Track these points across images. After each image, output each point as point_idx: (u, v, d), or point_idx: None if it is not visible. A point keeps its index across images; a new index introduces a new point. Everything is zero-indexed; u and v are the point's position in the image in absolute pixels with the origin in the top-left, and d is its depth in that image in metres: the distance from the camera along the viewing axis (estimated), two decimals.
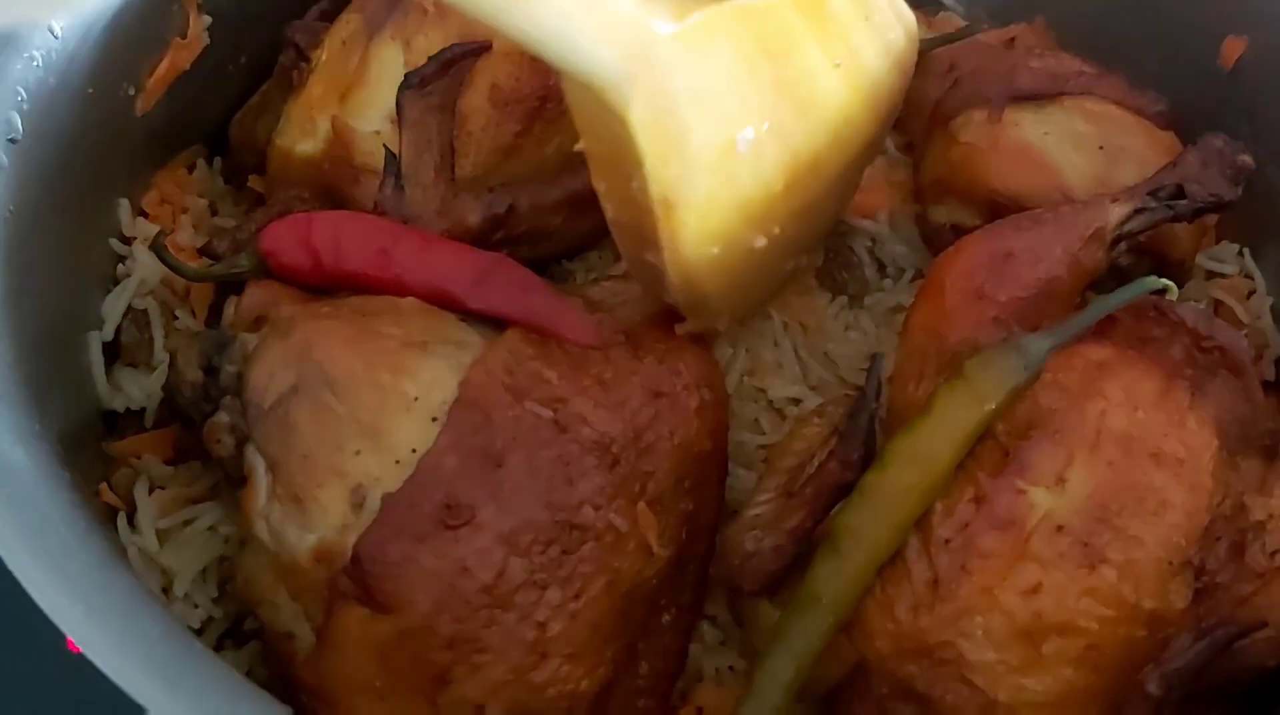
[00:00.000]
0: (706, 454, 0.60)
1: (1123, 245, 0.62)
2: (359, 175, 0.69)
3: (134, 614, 0.44)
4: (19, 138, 0.59)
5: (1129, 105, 0.75)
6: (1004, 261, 0.59)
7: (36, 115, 0.60)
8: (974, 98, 0.75)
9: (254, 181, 0.77)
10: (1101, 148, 0.71)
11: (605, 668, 0.55)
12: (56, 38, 0.62)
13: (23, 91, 0.60)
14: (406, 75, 0.65)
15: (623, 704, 0.57)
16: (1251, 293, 0.77)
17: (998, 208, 0.70)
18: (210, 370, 0.60)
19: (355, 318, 0.58)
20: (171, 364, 0.63)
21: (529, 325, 0.58)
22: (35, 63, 0.61)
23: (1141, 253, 0.69)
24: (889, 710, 0.54)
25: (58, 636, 0.78)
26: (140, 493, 0.61)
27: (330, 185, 0.71)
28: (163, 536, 0.61)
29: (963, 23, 0.89)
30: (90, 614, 0.43)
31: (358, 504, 0.52)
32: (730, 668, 0.62)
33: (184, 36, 0.72)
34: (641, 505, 0.56)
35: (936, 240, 0.75)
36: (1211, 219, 0.77)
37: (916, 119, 0.79)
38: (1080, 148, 0.71)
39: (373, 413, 0.54)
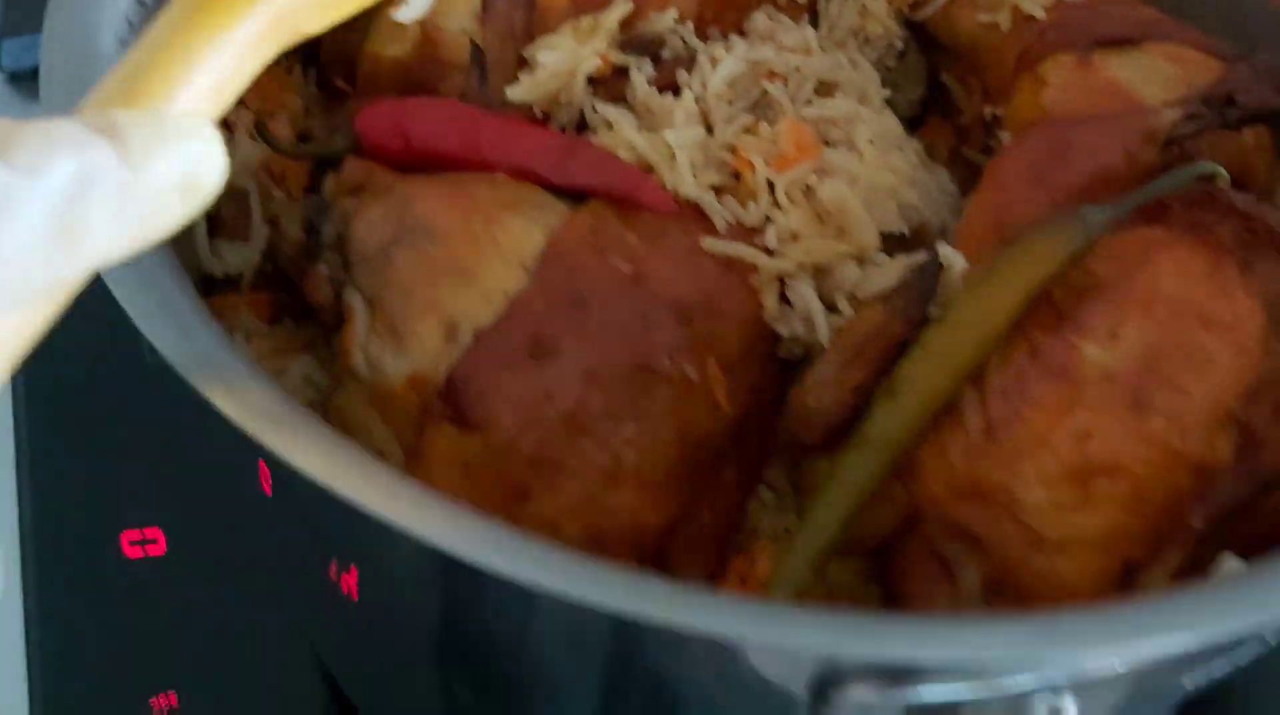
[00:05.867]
0: (772, 331, 0.64)
1: (1174, 148, 0.64)
2: (447, 72, 0.73)
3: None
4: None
5: (1207, 50, 0.74)
6: (1064, 150, 0.62)
7: (149, 13, 0.65)
8: (1060, 43, 0.74)
9: (341, 83, 0.81)
10: (1189, 88, 0.72)
11: (671, 507, 0.58)
12: None
13: None
14: None
15: (683, 547, 0.60)
16: None
17: None
18: (311, 231, 0.64)
19: (450, 180, 0.62)
20: (274, 226, 0.67)
21: (612, 196, 0.62)
22: None
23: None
24: (940, 549, 0.57)
25: (111, 538, 0.82)
26: (239, 343, 0.65)
27: (419, 86, 0.74)
28: None
29: None
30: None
31: (451, 337, 0.57)
32: (786, 529, 0.65)
33: None
34: (711, 361, 0.59)
35: None
36: None
37: (995, 67, 0.79)
38: (1168, 88, 0.71)
39: (468, 258, 0.58)
